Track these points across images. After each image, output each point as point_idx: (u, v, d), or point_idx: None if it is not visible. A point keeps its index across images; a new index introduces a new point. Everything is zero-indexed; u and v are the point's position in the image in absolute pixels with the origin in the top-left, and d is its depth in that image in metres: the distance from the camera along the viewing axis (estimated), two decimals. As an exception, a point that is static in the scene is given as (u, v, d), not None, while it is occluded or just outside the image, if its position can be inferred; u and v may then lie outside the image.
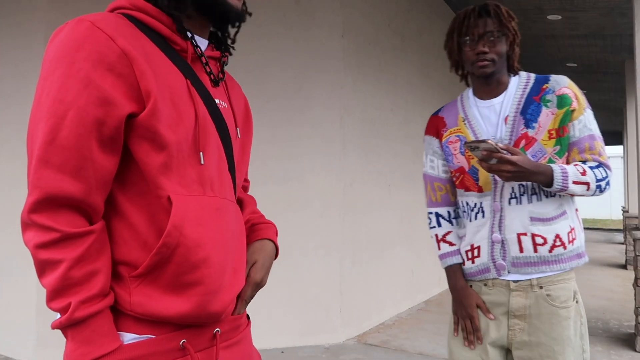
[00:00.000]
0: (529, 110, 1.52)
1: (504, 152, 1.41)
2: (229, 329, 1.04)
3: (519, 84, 1.57)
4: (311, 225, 4.28)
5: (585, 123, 1.52)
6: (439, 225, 1.68)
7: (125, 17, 0.95)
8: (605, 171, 1.50)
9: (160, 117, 0.89)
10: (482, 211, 1.57)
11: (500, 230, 1.54)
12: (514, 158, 1.39)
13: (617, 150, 24.11)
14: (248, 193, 1.27)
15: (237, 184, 1.10)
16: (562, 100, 1.51)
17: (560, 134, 1.51)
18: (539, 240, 1.50)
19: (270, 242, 1.16)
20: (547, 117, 1.50)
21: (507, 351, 1.57)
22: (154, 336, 0.91)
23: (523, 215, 1.51)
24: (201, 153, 0.95)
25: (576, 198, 1.57)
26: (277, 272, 4.15)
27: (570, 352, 1.48)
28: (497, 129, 1.55)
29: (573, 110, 1.51)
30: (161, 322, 0.91)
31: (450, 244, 1.66)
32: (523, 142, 1.51)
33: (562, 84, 1.53)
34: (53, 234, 0.84)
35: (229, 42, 1.17)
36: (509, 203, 1.53)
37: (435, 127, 1.68)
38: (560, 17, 7.12)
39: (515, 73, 1.60)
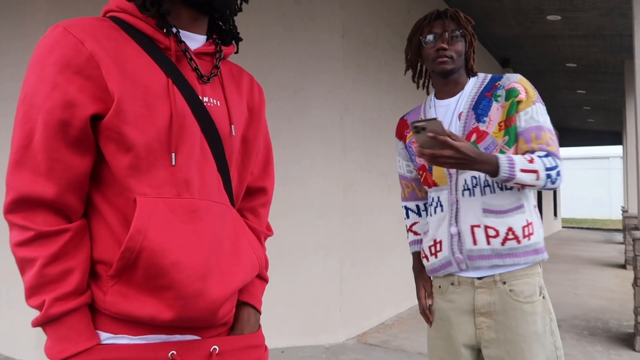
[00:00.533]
0: (480, 105, 1.58)
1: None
2: (231, 349, 1.01)
3: (475, 83, 1.64)
4: (311, 225, 4.29)
5: (533, 115, 1.53)
6: (408, 217, 1.83)
7: (110, 20, 0.97)
8: (555, 160, 1.47)
9: (125, 117, 0.90)
10: (441, 205, 1.62)
11: (456, 222, 1.57)
12: (456, 144, 1.36)
13: (616, 150, 24.13)
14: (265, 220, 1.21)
15: (233, 184, 1.07)
16: (510, 93, 1.55)
17: (507, 124, 1.54)
18: (491, 232, 1.51)
19: (254, 311, 1.11)
20: (497, 111, 1.55)
21: (478, 351, 1.58)
22: (129, 336, 0.91)
23: (476, 207, 1.53)
24: (173, 154, 0.94)
25: (532, 194, 1.59)
26: (277, 272, 4.16)
27: (538, 348, 1.47)
28: (450, 125, 1.61)
29: (519, 102, 1.53)
30: (137, 322, 0.91)
31: (415, 233, 1.79)
32: (474, 136, 1.55)
33: (513, 79, 1.58)
34: (28, 233, 0.87)
35: (231, 32, 1.14)
36: (463, 195, 1.56)
37: (400, 130, 1.79)
38: (560, 18, 7.13)
39: (474, 74, 1.67)
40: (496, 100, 1.56)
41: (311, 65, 4.31)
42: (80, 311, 0.88)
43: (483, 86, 1.61)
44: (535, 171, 1.44)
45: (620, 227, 17.85)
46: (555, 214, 17.54)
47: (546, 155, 1.48)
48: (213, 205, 0.99)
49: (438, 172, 1.60)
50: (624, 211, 10.78)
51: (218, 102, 1.04)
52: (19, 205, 0.88)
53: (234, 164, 1.07)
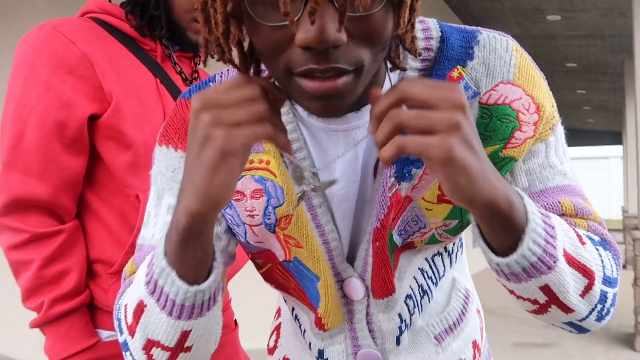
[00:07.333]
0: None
1: None
2: None
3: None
4: (311, 225, 4.28)
5: (551, 158, 0.72)
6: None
7: (92, 21, 0.97)
8: (615, 260, 0.61)
9: (124, 116, 0.91)
10: None
11: None
12: None
13: (616, 150, 24.15)
14: None
15: None
16: (500, 119, 0.68)
17: None
18: None
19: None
20: None
21: None
22: None
23: None
24: None
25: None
26: (277, 272, 4.15)
27: None
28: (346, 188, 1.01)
29: (517, 146, 0.67)
30: None
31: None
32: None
33: (503, 75, 0.67)
34: (23, 235, 0.87)
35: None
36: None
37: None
38: (559, 18, 7.13)
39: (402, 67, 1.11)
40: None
41: (311, 65, 4.31)
42: (79, 311, 0.89)
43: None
44: (588, 273, 0.55)
45: (620, 227, 17.85)
46: (555, 214, 17.52)
47: (601, 243, 0.61)
48: None
49: (328, 294, 0.67)
50: (624, 211, 10.79)
51: None
52: (11, 207, 0.87)
53: None
